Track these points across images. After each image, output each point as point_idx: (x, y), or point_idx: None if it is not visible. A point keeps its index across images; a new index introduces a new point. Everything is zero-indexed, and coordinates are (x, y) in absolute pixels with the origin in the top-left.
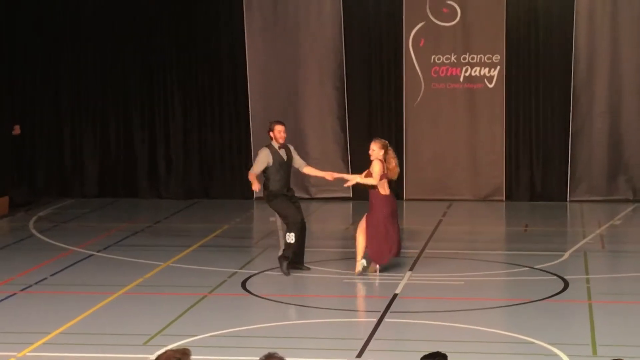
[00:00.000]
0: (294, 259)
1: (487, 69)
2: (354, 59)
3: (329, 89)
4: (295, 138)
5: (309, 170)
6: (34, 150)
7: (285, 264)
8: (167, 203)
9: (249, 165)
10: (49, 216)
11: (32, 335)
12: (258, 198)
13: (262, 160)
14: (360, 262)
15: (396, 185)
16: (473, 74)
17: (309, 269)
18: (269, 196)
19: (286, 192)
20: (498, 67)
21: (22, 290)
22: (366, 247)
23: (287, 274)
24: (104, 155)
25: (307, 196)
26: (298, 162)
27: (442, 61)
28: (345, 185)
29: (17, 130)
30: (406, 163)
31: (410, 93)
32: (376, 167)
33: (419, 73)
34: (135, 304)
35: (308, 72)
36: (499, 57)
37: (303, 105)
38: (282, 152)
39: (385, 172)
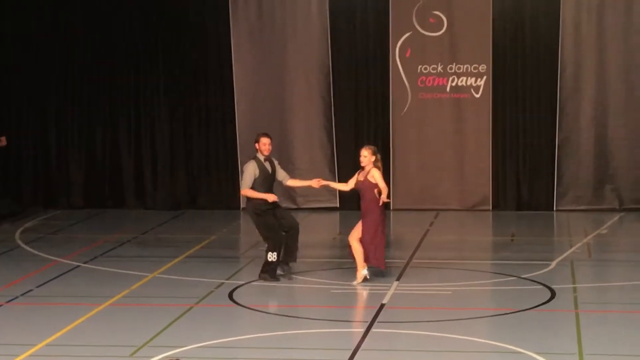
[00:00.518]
0: (284, 257)
1: (473, 79)
2: (340, 69)
3: (315, 99)
4: (282, 148)
5: (292, 182)
6: (19, 161)
7: (267, 275)
8: (153, 214)
9: (235, 175)
10: (35, 227)
11: (18, 348)
12: (245, 209)
13: (251, 172)
14: (363, 271)
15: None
16: (460, 83)
17: (291, 277)
18: (254, 210)
19: (270, 206)
20: (485, 77)
21: (8, 301)
22: (366, 253)
23: (277, 279)
24: (90, 166)
25: (293, 206)
26: (281, 175)
27: (429, 71)
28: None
29: (2, 142)
30: (393, 173)
31: (397, 103)
32: (376, 174)
33: (406, 83)
34: (122, 315)
35: (295, 82)
36: (485, 67)
37: (290, 115)
38: (267, 165)
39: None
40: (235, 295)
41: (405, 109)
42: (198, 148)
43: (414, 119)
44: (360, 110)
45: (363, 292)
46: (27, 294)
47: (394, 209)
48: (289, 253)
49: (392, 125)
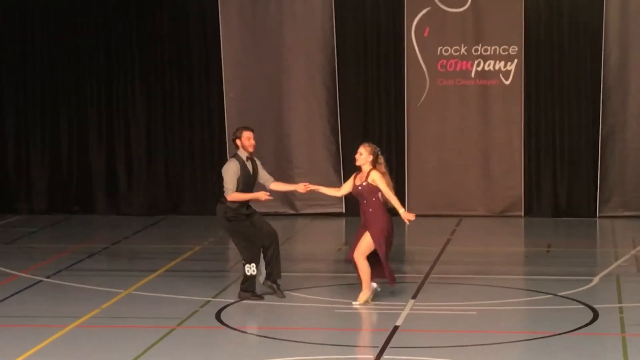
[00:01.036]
0: (269, 276)
1: (502, 63)
2: (346, 51)
3: (317, 86)
4: (278, 144)
5: (276, 185)
6: None
7: (248, 294)
8: (128, 220)
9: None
10: None
11: None
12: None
13: (234, 173)
14: (372, 289)
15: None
16: (486, 68)
17: (283, 296)
18: (225, 214)
19: (245, 212)
20: (515, 61)
21: None
22: (379, 270)
23: (261, 297)
24: (54, 165)
25: (292, 212)
26: (264, 177)
27: (450, 53)
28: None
29: None
30: (408, 173)
31: (412, 91)
32: (377, 177)
33: (423, 68)
34: (91, 338)
35: (293, 68)
36: (516, 48)
37: (287, 106)
38: (249, 164)
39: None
40: (223, 316)
41: (423, 98)
42: (180, 145)
43: (432, 109)
44: (370, 99)
45: (373, 313)
46: None
47: None
48: (274, 269)
49: (407, 117)
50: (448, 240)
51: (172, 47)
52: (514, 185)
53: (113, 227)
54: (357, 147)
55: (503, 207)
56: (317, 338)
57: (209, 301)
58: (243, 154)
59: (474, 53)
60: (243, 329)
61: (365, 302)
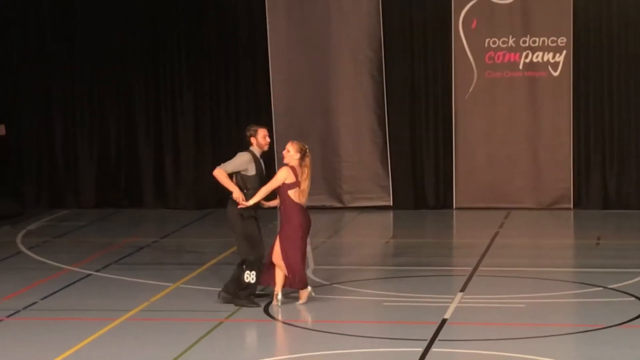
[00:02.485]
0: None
1: (551, 54)
2: (393, 44)
3: (364, 79)
4: (325, 137)
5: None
6: (20, 154)
7: (244, 302)
8: (176, 214)
9: (271, 169)
10: (39, 230)
11: None
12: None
13: (241, 163)
14: (308, 291)
15: (443, 192)
16: (535, 60)
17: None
18: (243, 212)
19: (255, 214)
20: (564, 52)
21: (9, 316)
22: (288, 268)
23: (258, 304)
24: (102, 160)
25: (339, 205)
26: None
27: (498, 45)
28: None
29: (1, 130)
30: (456, 166)
31: (460, 83)
32: (281, 174)
33: (471, 60)
34: (140, 331)
35: (340, 61)
36: (565, 40)
37: (334, 99)
38: (261, 162)
39: (298, 180)
40: (271, 309)
41: (470, 90)
42: (227, 138)
43: (480, 102)
44: (417, 92)
45: (421, 306)
46: (31, 307)
47: (457, 208)
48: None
49: (455, 110)
50: (496, 233)
51: (218, 41)
52: (563, 177)
53: (161, 220)
54: (405, 141)
55: (552, 199)
56: (365, 331)
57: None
58: (257, 151)
59: (522, 45)
60: (291, 322)
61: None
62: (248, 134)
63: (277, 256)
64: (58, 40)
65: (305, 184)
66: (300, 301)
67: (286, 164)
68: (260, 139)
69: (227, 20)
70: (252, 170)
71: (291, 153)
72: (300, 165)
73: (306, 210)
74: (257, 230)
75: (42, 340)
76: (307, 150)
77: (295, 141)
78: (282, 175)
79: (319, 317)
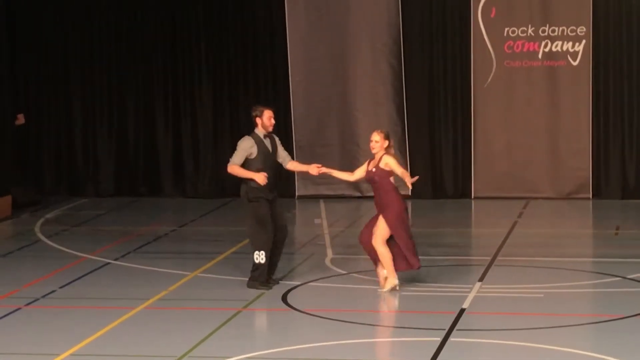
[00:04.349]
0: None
1: (570, 44)
2: (412, 32)
3: (383, 68)
4: (343, 126)
5: (292, 165)
6: (40, 142)
7: (256, 282)
8: (195, 203)
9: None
10: (58, 218)
11: (39, 358)
12: (302, 197)
13: (245, 149)
14: (394, 280)
15: (462, 181)
16: (554, 49)
17: (277, 282)
18: (249, 194)
19: (268, 196)
20: (584, 41)
21: (27, 304)
22: (400, 255)
23: (269, 286)
24: (121, 148)
25: (357, 194)
26: (282, 155)
27: (517, 35)
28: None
29: (20, 119)
30: (474, 155)
31: (479, 73)
32: (391, 160)
33: (490, 49)
34: (158, 320)
35: (359, 49)
36: (584, 29)
37: (353, 87)
38: (267, 142)
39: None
40: (290, 298)
41: (489, 79)
42: (246, 126)
43: (499, 91)
44: (435, 81)
45: (439, 295)
46: (49, 295)
47: (476, 198)
48: (273, 266)
49: (474, 99)
50: (515, 223)
51: (237, 29)
52: (582, 166)
53: (180, 209)
54: (423, 130)
55: (571, 189)
56: (383, 320)
57: (275, 283)
58: (260, 132)
59: (541, 34)
60: (309, 312)
61: (393, 289)
62: (254, 114)
63: (376, 240)
64: (77, 30)
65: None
66: (385, 289)
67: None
68: (265, 119)
69: (246, 9)
70: (254, 153)
71: (380, 143)
72: (388, 152)
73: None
74: (268, 211)
75: (60, 329)
76: (389, 135)
77: (378, 130)
78: (394, 160)
79: (336, 306)
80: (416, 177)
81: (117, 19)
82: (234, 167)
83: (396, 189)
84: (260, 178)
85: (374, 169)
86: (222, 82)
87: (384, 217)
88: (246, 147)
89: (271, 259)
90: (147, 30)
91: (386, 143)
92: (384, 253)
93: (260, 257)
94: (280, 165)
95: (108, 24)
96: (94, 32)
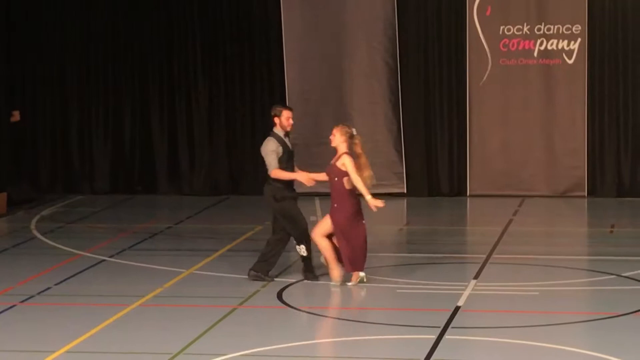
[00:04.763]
0: (264, 267)
1: (565, 42)
2: (408, 29)
3: (379, 65)
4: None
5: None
6: (35, 139)
7: (310, 274)
8: (190, 200)
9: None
10: (53, 215)
11: (33, 355)
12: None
13: (273, 150)
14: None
15: (457, 179)
16: (549, 47)
17: (272, 279)
18: (273, 194)
19: (290, 194)
20: (579, 40)
21: (23, 301)
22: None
23: (316, 278)
24: (117, 146)
25: None
26: None
27: (513, 33)
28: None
29: (16, 116)
30: (470, 153)
31: (475, 70)
32: (347, 161)
33: (486, 47)
34: (153, 317)
35: (354, 47)
36: (580, 27)
37: (349, 85)
38: (287, 141)
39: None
40: (285, 296)
41: (485, 77)
42: (241, 125)
43: (494, 89)
44: (431, 79)
45: (434, 293)
46: (44, 292)
47: (471, 195)
48: (270, 264)
49: (469, 97)
50: (510, 221)
51: (233, 27)
52: (578, 165)
53: (175, 207)
54: (419, 128)
55: (566, 187)
56: (378, 318)
57: (270, 281)
58: (280, 132)
59: (537, 32)
60: (304, 309)
61: (339, 281)
62: (273, 113)
63: (316, 233)
64: (73, 27)
65: (365, 169)
66: (333, 282)
67: (346, 153)
68: (283, 119)
69: (242, 6)
70: (280, 152)
71: (336, 137)
72: (353, 152)
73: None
74: (296, 207)
75: (55, 326)
76: (354, 132)
77: (340, 125)
78: (348, 161)
79: (331, 304)
80: (381, 203)
81: (113, 18)
82: (277, 171)
83: (351, 194)
84: (304, 178)
85: (331, 165)
86: (218, 80)
87: (331, 217)
88: (274, 148)
89: (272, 260)
90: (143, 28)
91: (344, 141)
92: (323, 245)
93: (302, 250)
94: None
95: (104, 23)
96: (89, 31)
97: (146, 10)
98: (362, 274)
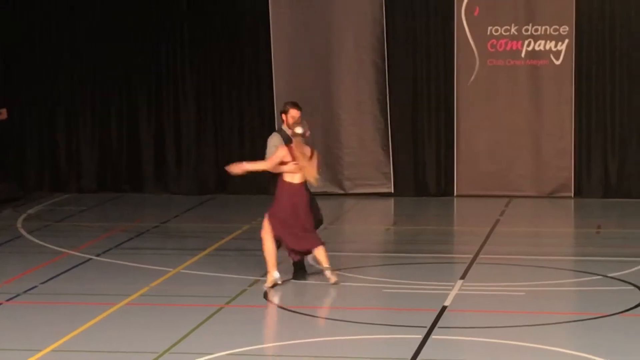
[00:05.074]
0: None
1: (553, 43)
2: (396, 30)
3: (367, 65)
4: (328, 123)
5: None
6: (22, 138)
7: (299, 274)
8: (177, 199)
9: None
10: (40, 214)
11: (19, 354)
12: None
13: (274, 145)
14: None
15: (444, 179)
16: (537, 48)
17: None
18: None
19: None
20: (566, 41)
21: (8, 300)
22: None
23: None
24: (104, 144)
25: (340, 191)
26: None
27: (501, 33)
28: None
29: (3, 114)
30: (457, 153)
31: (462, 71)
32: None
33: (473, 47)
34: (140, 316)
35: (342, 47)
36: (567, 28)
37: (337, 85)
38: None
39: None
40: (271, 295)
41: (472, 77)
42: (229, 123)
43: (482, 89)
44: (419, 79)
45: (421, 293)
46: (31, 291)
47: (458, 195)
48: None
49: (457, 98)
50: (497, 221)
51: (221, 26)
52: (564, 166)
53: (162, 205)
54: (406, 127)
55: (553, 187)
56: (365, 318)
57: (257, 280)
58: (287, 129)
59: (525, 33)
60: (291, 308)
61: (272, 284)
62: (281, 110)
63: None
64: (59, 25)
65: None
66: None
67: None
68: (289, 118)
69: (230, 5)
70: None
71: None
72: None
73: (294, 187)
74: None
75: (41, 324)
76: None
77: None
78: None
79: (318, 304)
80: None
81: (100, 16)
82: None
83: (284, 182)
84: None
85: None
86: (205, 80)
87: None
88: (275, 143)
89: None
90: (130, 27)
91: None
92: (264, 244)
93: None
94: None
95: (91, 22)
96: (77, 29)
97: (133, 9)
98: (276, 275)
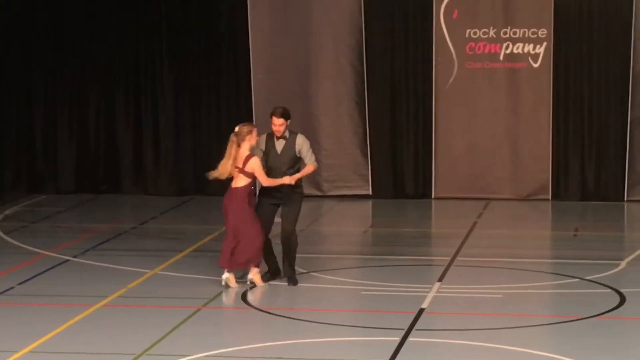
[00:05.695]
0: (273, 274)
1: (531, 46)
2: (375, 32)
3: (345, 67)
4: (306, 125)
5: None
6: None
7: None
8: (155, 200)
9: None
10: (17, 215)
11: None
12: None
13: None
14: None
15: (423, 182)
16: (515, 51)
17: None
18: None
19: (269, 200)
20: (545, 44)
21: None
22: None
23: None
24: (81, 145)
25: (318, 193)
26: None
27: (479, 36)
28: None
29: None
30: (435, 156)
31: (441, 73)
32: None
33: (452, 50)
34: (117, 318)
35: (321, 48)
36: (545, 31)
37: (315, 87)
38: (280, 144)
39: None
40: (249, 297)
41: (451, 80)
42: (207, 125)
43: (460, 92)
44: (397, 81)
45: (399, 295)
46: (8, 292)
47: (436, 198)
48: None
49: (435, 100)
50: (475, 224)
51: (199, 27)
52: (542, 168)
53: (140, 207)
54: (385, 130)
55: (531, 190)
56: (342, 320)
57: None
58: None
59: (503, 36)
60: (269, 310)
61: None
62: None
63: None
64: (40, 26)
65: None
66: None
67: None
68: (271, 123)
69: (209, 8)
70: (262, 147)
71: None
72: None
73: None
74: (261, 209)
75: (18, 325)
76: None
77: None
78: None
79: (295, 306)
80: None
81: (80, 20)
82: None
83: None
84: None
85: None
86: (184, 80)
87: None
88: (258, 141)
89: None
90: (109, 31)
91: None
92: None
93: None
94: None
95: (70, 20)
96: (54, 30)
97: (114, 13)
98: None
